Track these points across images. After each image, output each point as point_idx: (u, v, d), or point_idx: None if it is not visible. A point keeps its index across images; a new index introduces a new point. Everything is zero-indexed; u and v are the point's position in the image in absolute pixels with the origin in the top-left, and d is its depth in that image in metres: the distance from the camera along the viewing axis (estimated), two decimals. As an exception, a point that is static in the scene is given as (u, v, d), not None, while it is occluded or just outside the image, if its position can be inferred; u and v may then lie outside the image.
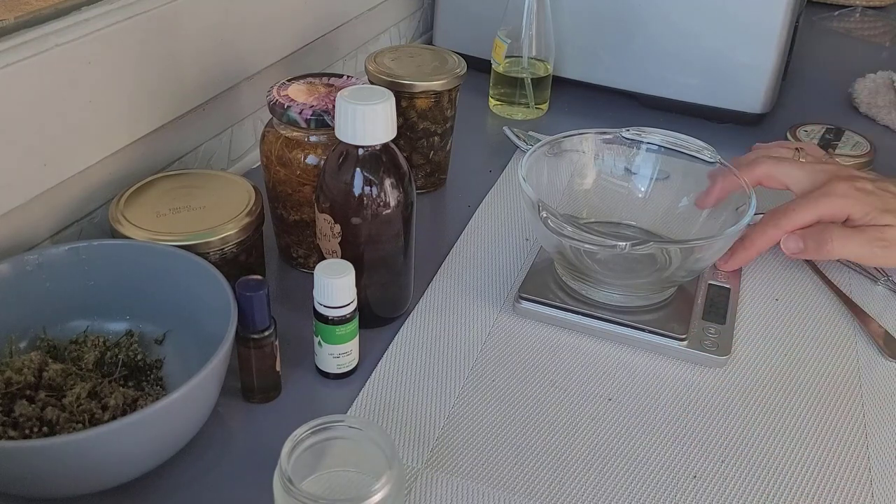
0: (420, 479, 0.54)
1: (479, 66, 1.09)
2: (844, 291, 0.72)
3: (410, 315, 0.68)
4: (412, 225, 0.64)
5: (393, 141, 0.60)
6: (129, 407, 0.53)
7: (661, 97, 1.02)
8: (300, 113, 0.64)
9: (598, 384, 0.62)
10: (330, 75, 0.71)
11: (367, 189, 0.60)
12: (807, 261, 0.76)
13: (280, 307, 0.66)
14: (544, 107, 1.02)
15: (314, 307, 0.58)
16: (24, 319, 0.57)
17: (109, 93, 0.66)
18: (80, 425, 0.51)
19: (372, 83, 0.78)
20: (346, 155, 0.60)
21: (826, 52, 1.30)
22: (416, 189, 0.64)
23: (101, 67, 0.65)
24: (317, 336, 0.59)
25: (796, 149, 0.78)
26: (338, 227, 0.61)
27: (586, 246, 0.62)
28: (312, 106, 0.65)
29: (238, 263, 0.63)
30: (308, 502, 0.43)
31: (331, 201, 0.60)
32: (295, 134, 0.66)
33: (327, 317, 0.58)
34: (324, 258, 0.63)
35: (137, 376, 0.57)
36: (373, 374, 0.62)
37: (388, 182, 0.60)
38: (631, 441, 0.57)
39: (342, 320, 0.58)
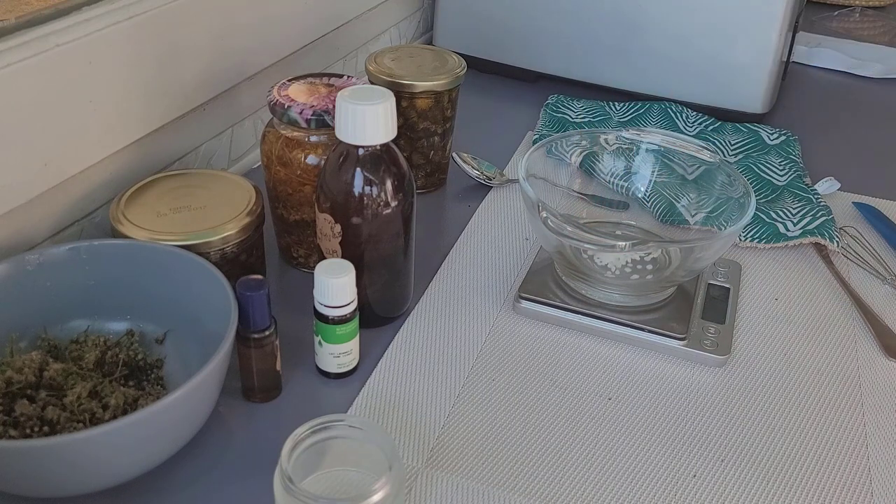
0: (420, 479, 0.54)
1: (479, 66, 1.09)
2: (853, 288, 0.72)
3: (410, 315, 0.68)
4: (412, 225, 0.64)
5: (393, 141, 0.60)
6: (130, 406, 0.53)
7: (661, 97, 1.02)
8: (300, 113, 0.65)
9: (597, 384, 0.62)
10: (330, 75, 0.71)
11: (367, 189, 0.60)
12: (822, 255, 0.76)
13: (280, 307, 0.66)
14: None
15: (314, 307, 0.58)
16: (25, 319, 0.57)
17: (110, 93, 0.66)
18: (80, 425, 0.51)
19: (372, 83, 0.78)
20: (347, 155, 0.60)
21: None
22: (416, 189, 0.64)
23: (102, 67, 0.65)
24: (317, 336, 0.60)
25: None
26: (338, 227, 0.61)
27: (586, 246, 0.63)
28: (313, 106, 0.65)
29: (238, 263, 0.63)
30: (308, 501, 0.44)
31: (331, 201, 0.60)
32: (295, 134, 0.66)
33: (327, 316, 0.58)
34: (324, 258, 0.63)
35: (138, 376, 0.57)
36: (373, 374, 0.62)
37: (388, 182, 0.60)
38: (631, 440, 0.57)
39: (342, 320, 0.58)
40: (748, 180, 0.67)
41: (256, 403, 0.59)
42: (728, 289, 0.71)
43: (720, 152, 0.92)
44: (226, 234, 0.61)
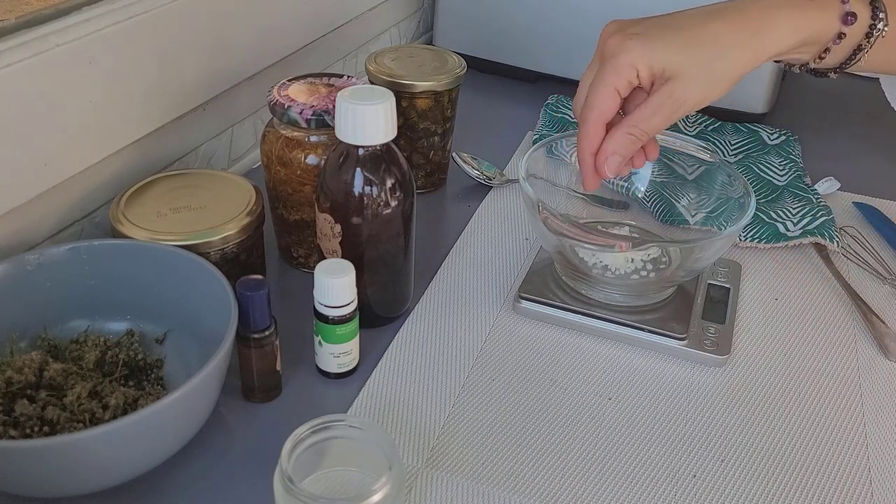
0: (420, 479, 0.54)
1: (479, 66, 1.09)
2: (853, 288, 0.72)
3: (410, 315, 0.68)
4: (412, 225, 0.64)
5: (393, 141, 0.60)
6: (130, 406, 0.53)
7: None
8: (300, 113, 0.65)
9: (597, 384, 0.62)
10: (330, 75, 0.71)
11: (367, 189, 0.60)
12: (822, 255, 0.76)
13: (280, 307, 0.66)
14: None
15: (314, 307, 0.58)
16: (25, 319, 0.57)
17: (110, 93, 0.66)
18: (80, 425, 0.51)
19: (372, 83, 0.78)
20: (347, 155, 0.60)
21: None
22: (416, 189, 0.64)
23: (102, 67, 0.65)
24: (317, 335, 0.60)
25: None
26: (338, 227, 0.61)
27: (586, 246, 0.63)
28: (313, 106, 0.65)
29: (238, 263, 0.63)
30: (308, 501, 0.44)
31: (331, 201, 0.61)
32: (295, 134, 0.66)
33: (327, 316, 0.58)
34: (324, 258, 0.63)
35: (138, 376, 0.57)
36: (373, 374, 0.62)
37: (388, 182, 0.60)
38: (631, 440, 0.57)
39: (342, 320, 0.58)
40: (748, 180, 0.67)
41: (256, 403, 0.59)
42: (728, 289, 0.71)
43: (720, 152, 0.92)
44: (226, 234, 0.61)
